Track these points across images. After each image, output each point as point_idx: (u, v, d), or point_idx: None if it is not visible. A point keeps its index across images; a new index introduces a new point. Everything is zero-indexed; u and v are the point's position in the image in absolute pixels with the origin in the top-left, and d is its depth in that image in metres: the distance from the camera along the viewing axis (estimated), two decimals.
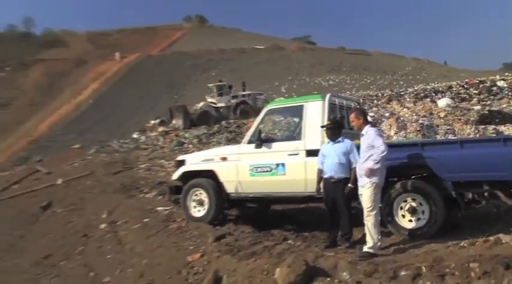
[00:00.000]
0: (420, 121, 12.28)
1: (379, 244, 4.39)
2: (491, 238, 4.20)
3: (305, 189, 5.29)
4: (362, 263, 3.90)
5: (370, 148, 4.39)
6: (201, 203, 6.12)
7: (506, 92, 17.09)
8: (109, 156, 14.31)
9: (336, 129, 4.92)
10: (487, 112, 13.15)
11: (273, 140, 5.90)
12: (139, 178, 10.17)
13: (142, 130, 22.50)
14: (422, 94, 18.43)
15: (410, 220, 4.76)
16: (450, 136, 10.89)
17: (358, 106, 6.33)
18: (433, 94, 18.19)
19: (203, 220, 6.01)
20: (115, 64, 55.61)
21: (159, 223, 6.50)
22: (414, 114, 14.08)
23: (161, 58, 57.56)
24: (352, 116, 4.68)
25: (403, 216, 4.81)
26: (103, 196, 8.90)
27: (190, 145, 15.95)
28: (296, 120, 6.18)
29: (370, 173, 4.33)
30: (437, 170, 4.57)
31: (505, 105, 14.79)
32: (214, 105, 23.33)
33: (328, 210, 5.00)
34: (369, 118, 6.11)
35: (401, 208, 4.81)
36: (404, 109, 15.72)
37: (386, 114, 14.86)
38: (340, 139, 4.89)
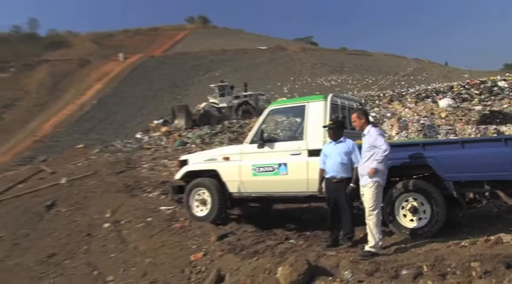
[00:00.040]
0: (421, 121, 12.25)
1: (380, 243, 4.40)
2: (492, 237, 4.22)
3: (307, 188, 5.31)
4: (364, 262, 3.93)
5: (372, 148, 4.40)
6: (203, 202, 6.16)
7: (507, 92, 17.10)
8: (112, 156, 14.33)
9: (337, 129, 4.93)
10: (488, 112, 13.13)
11: (275, 140, 5.90)
12: (142, 178, 10.18)
13: (146, 130, 22.55)
14: (423, 95, 18.46)
15: (412, 220, 4.78)
16: (451, 137, 10.87)
17: (360, 107, 6.35)
18: (435, 94, 18.22)
19: (206, 220, 6.05)
20: (119, 64, 55.79)
21: (162, 222, 6.52)
22: (415, 114, 14.07)
23: (164, 58, 57.69)
24: (354, 116, 4.70)
25: (405, 216, 4.82)
26: (107, 195, 8.92)
27: (193, 145, 16.00)
28: (298, 120, 6.19)
29: (374, 173, 4.35)
30: (439, 170, 4.58)
31: (506, 105, 14.77)
32: (216, 106, 23.37)
33: (330, 210, 5.03)
34: (371, 119, 6.14)
35: (402, 208, 4.83)
36: (406, 109, 15.75)
37: (388, 114, 14.89)
38: (342, 139, 4.91)
